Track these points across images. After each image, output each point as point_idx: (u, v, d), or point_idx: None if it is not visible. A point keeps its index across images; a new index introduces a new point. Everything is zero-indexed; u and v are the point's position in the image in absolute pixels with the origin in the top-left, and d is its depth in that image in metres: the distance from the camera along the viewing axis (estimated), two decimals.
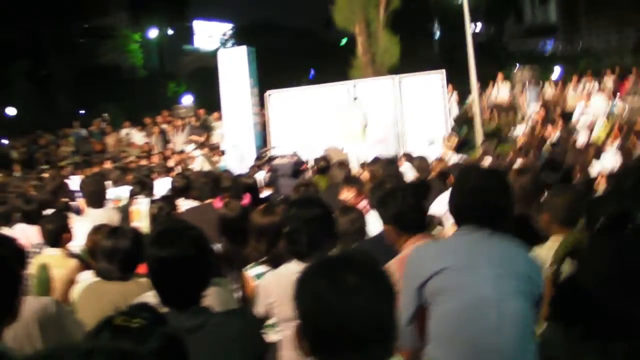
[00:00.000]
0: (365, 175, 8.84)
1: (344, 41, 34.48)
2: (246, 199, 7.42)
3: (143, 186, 8.30)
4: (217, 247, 5.48)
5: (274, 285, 3.69)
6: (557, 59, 44.05)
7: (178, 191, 8.00)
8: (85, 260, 5.33)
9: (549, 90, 23.51)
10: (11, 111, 36.00)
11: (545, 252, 4.02)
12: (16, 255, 3.78)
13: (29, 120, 33.77)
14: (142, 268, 3.99)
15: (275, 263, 4.28)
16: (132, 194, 8.18)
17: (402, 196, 3.88)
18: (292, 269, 3.53)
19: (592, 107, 19.12)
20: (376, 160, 11.03)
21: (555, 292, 3.10)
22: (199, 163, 15.78)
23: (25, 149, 25.26)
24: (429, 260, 3.07)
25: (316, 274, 1.93)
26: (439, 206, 5.86)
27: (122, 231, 4.34)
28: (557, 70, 36.24)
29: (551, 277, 3.77)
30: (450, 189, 3.45)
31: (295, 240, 3.66)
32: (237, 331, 2.84)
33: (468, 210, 3.14)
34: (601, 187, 7.02)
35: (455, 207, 3.24)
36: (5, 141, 27.85)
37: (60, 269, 5.22)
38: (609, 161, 7.82)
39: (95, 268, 4.58)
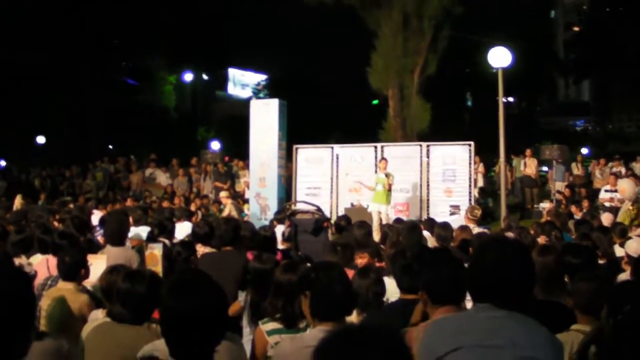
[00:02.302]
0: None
1: (376, 101, 34.67)
2: (279, 255, 7.44)
3: (163, 229, 8.30)
4: (241, 296, 5.45)
5: (291, 357, 3.56)
6: (586, 139, 44.08)
7: (199, 237, 7.98)
8: (97, 298, 5.28)
9: (576, 170, 23.39)
10: (41, 140, 36.28)
11: (566, 338, 3.90)
12: (28, 289, 3.71)
13: (58, 151, 34.11)
14: (157, 313, 3.94)
15: (289, 322, 4.25)
16: (151, 236, 8.17)
17: (434, 265, 3.78)
18: (310, 338, 3.42)
19: (619, 190, 18.94)
20: (398, 221, 10.96)
21: None
22: (228, 210, 15.77)
23: (49, 179, 25.47)
24: (446, 337, 2.95)
25: (335, 349, 1.85)
26: None
27: (140, 275, 4.29)
28: (585, 151, 36.17)
29: None
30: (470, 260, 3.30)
31: (315, 303, 3.59)
32: None
33: (488, 287, 2.95)
34: (625, 273, 6.88)
35: (473, 282, 3.07)
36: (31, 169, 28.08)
37: (71, 303, 5.18)
38: (631, 248, 7.65)
39: (107, 307, 4.54)
